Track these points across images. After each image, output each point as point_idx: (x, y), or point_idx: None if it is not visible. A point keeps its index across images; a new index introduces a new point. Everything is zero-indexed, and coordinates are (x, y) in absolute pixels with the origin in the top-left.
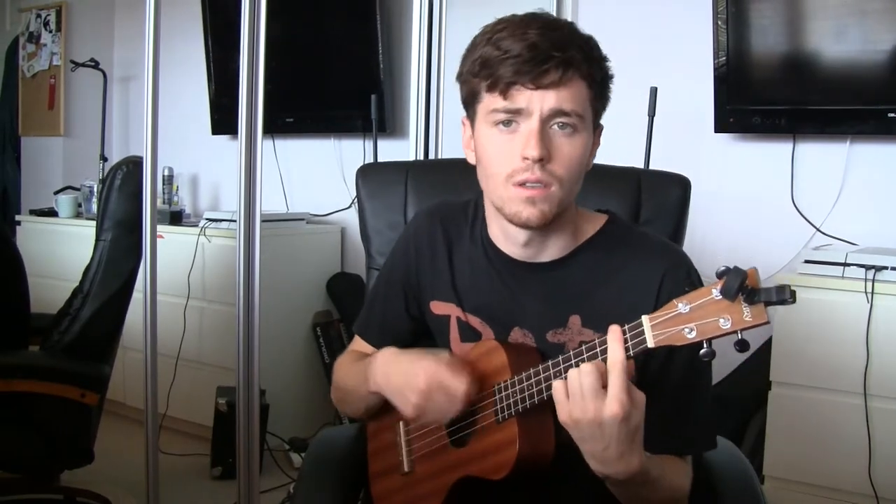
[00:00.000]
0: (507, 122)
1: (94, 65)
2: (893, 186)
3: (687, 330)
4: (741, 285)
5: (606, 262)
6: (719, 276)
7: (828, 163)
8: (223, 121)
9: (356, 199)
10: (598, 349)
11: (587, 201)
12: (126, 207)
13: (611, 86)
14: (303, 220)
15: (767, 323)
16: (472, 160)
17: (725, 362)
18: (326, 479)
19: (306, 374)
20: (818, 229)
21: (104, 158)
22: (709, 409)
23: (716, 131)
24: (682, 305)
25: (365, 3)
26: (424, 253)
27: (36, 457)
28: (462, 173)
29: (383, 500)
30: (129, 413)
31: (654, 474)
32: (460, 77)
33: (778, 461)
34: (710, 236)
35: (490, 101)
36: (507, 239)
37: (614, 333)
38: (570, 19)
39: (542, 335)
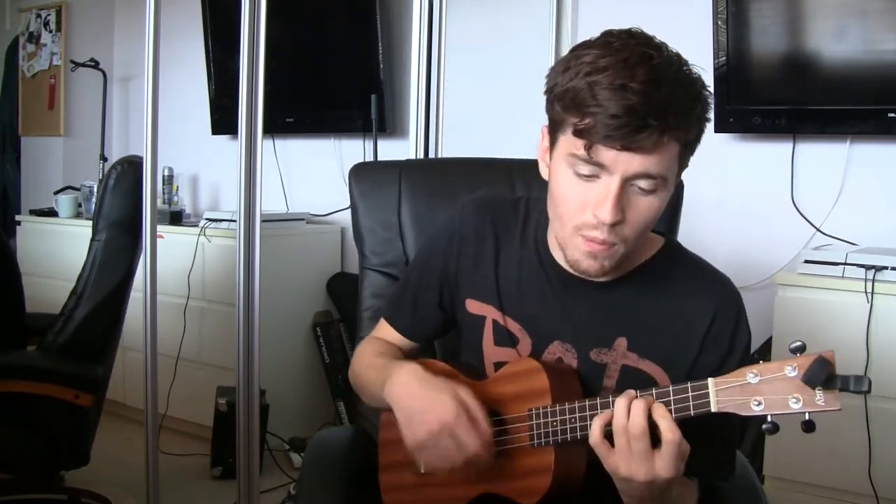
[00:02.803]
0: (587, 172)
1: (94, 65)
2: (893, 186)
3: (755, 403)
4: (829, 377)
5: (660, 287)
6: (793, 351)
7: (828, 163)
8: (223, 121)
9: (349, 199)
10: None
11: None
12: (120, 207)
13: (705, 128)
14: (303, 220)
15: (839, 410)
16: (544, 175)
17: None
18: (328, 479)
19: (306, 374)
20: (818, 229)
21: (104, 158)
22: (735, 438)
23: (716, 131)
24: (751, 376)
25: (365, 3)
26: (469, 248)
27: (32, 457)
28: (456, 173)
29: (391, 493)
30: (129, 413)
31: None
32: (549, 93)
33: (778, 461)
34: (710, 236)
35: (572, 144)
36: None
37: (663, 414)
38: (570, 19)
39: (586, 352)
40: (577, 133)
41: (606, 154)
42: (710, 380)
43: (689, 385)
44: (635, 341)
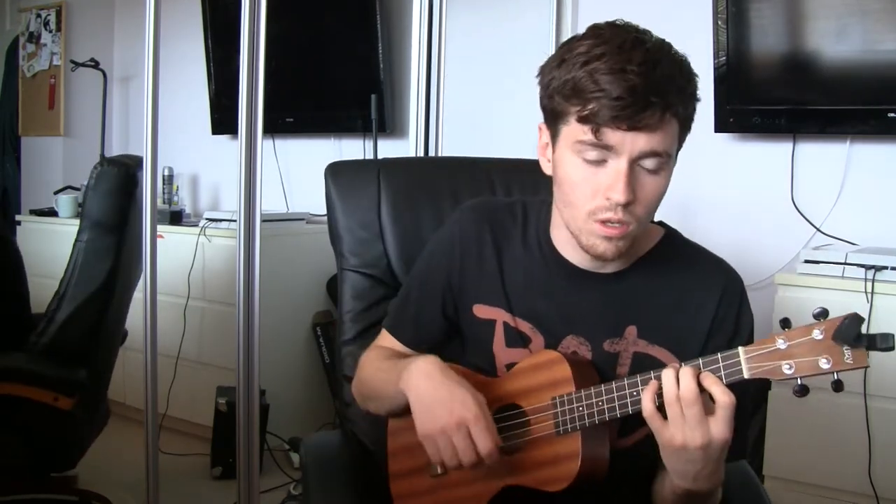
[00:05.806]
0: (594, 157)
1: (94, 65)
2: (893, 186)
3: (786, 366)
4: (858, 333)
5: (664, 274)
6: (816, 317)
7: (828, 163)
8: (223, 121)
9: (325, 198)
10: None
11: None
12: (101, 208)
13: (696, 107)
14: (303, 220)
15: (867, 367)
16: (547, 171)
17: None
18: (333, 488)
19: (306, 374)
20: (818, 229)
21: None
22: (745, 418)
23: (716, 131)
24: (780, 342)
25: (365, 3)
26: (470, 255)
27: (15, 460)
28: (436, 172)
29: (406, 500)
30: (129, 413)
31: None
32: (546, 88)
33: (778, 461)
34: (710, 236)
35: (578, 131)
36: (576, 249)
37: (714, 381)
38: (569, 20)
39: (599, 344)
40: (583, 119)
41: (613, 136)
42: (739, 348)
43: (719, 356)
44: (645, 328)
